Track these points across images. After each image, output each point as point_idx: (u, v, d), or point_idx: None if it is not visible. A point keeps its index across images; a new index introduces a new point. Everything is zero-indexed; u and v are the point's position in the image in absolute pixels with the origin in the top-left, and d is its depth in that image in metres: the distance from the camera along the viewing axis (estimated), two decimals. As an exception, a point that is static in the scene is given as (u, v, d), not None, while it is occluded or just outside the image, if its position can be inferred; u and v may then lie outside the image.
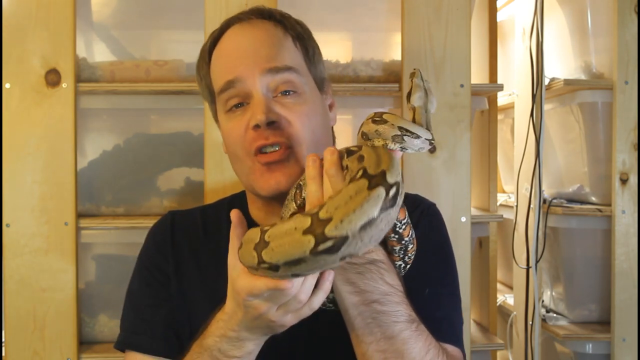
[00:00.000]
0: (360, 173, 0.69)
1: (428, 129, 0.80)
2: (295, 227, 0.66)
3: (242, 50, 0.99)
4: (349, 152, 0.78)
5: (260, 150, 0.96)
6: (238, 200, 1.13)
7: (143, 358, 1.04)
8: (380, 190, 0.66)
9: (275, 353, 0.93)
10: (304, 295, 0.76)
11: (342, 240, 0.64)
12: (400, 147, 0.79)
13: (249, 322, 0.81)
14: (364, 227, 0.64)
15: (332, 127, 1.12)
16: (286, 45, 1.01)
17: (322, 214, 0.65)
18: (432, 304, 0.96)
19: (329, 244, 0.64)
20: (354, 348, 0.86)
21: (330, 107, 1.10)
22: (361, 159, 0.73)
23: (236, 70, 0.98)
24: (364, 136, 0.82)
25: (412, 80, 0.85)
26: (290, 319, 0.79)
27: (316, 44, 1.07)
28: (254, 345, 0.85)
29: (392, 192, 0.67)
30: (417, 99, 0.82)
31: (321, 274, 0.76)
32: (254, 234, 0.72)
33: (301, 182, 0.85)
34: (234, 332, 0.84)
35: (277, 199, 0.97)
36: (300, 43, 1.04)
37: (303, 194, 0.84)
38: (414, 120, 0.82)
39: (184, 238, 1.09)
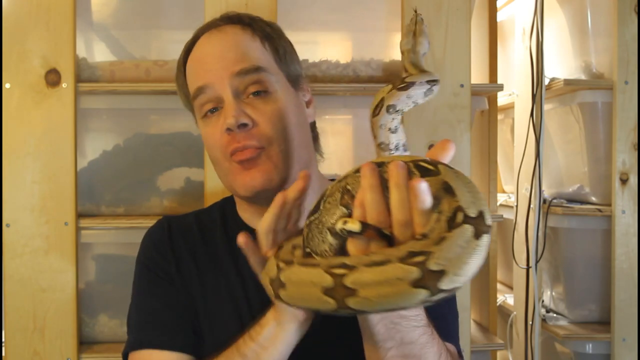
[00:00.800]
0: (460, 217, 0.62)
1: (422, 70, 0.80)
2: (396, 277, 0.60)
3: (210, 57, 1.02)
4: (420, 168, 0.68)
5: (234, 152, 0.98)
6: (229, 203, 1.15)
7: (161, 355, 1.00)
8: (486, 239, 0.62)
9: None
10: None
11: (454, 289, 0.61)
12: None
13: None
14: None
15: (314, 124, 1.13)
16: (253, 46, 1.03)
17: (432, 265, 0.59)
18: None
19: (442, 295, 0.60)
20: (368, 353, 0.84)
21: (308, 103, 1.11)
22: (449, 190, 0.65)
23: (205, 76, 1.00)
24: (390, 108, 0.80)
25: (412, 20, 0.85)
26: None
27: (288, 43, 1.09)
28: (272, 320, 0.85)
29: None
30: (404, 44, 0.83)
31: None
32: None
33: (348, 187, 0.74)
34: (275, 327, 0.85)
35: (259, 200, 0.99)
36: (269, 43, 1.05)
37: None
38: (405, 69, 0.81)
39: (181, 240, 1.09)
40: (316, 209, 0.76)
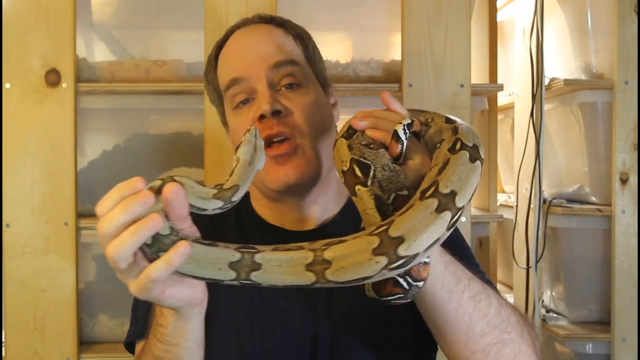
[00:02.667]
0: (459, 145, 0.75)
1: (240, 184, 0.76)
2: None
3: (246, 49, 1.03)
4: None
5: (267, 143, 0.97)
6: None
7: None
8: (479, 163, 0.74)
9: (297, 353, 0.95)
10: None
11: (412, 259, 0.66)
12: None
13: None
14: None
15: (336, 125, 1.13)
16: (287, 41, 1.05)
17: (444, 188, 0.69)
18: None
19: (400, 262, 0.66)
20: (445, 314, 0.82)
21: (334, 105, 1.12)
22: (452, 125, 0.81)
23: (240, 68, 1.01)
24: None
25: (244, 135, 0.83)
26: (132, 288, 0.72)
27: (316, 45, 1.11)
28: (171, 317, 0.80)
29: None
30: (243, 153, 0.81)
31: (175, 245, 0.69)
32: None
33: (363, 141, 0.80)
34: (159, 311, 0.82)
35: (286, 195, 0.99)
36: (301, 41, 1.07)
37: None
38: (231, 173, 0.78)
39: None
40: (366, 171, 0.77)
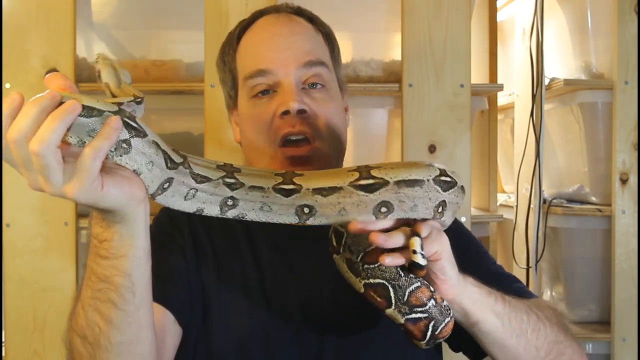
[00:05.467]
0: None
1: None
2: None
3: (277, 41, 1.00)
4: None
5: (285, 141, 0.96)
6: None
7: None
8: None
9: (304, 353, 0.94)
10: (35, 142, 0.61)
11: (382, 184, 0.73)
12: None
13: None
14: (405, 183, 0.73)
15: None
16: (319, 40, 1.04)
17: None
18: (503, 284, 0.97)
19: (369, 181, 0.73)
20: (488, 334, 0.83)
21: (345, 109, 1.11)
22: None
23: (270, 60, 0.99)
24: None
25: (97, 62, 0.83)
26: (70, 188, 0.66)
27: (339, 47, 1.10)
28: (115, 224, 0.70)
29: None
30: (106, 75, 0.80)
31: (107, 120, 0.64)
32: None
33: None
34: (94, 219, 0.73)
35: None
36: (329, 42, 1.06)
37: None
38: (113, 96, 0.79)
39: (198, 222, 1.03)
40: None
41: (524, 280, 2.02)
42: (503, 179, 2.54)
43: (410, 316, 0.78)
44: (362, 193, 0.74)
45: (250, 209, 0.76)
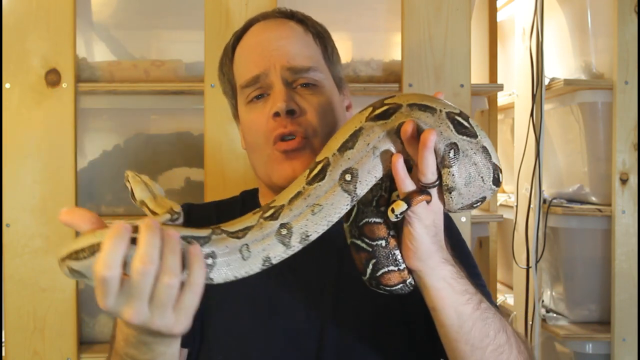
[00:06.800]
0: None
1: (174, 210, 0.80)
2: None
3: (265, 45, 1.02)
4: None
5: (279, 139, 0.97)
6: (250, 196, 1.13)
7: None
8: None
9: (304, 353, 0.94)
10: (165, 276, 0.67)
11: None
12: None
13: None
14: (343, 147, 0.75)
15: None
16: (307, 41, 1.05)
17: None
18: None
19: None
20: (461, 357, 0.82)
21: (348, 108, 1.12)
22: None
23: (260, 63, 1.00)
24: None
25: (127, 182, 0.85)
26: (129, 312, 0.69)
27: (335, 45, 1.10)
28: (162, 346, 0.75)
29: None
30: (140, 192, 0.83)
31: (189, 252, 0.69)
32: None
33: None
34: (134, 337, 0.76)
35: None
36: (320, 41, 1.07)
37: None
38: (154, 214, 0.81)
39: (198, 219, 1.04)
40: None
41: (524, 280, 2.03)
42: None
43: (356, 241, 0.81)
44: (381, 122, 0.74)
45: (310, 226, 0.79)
